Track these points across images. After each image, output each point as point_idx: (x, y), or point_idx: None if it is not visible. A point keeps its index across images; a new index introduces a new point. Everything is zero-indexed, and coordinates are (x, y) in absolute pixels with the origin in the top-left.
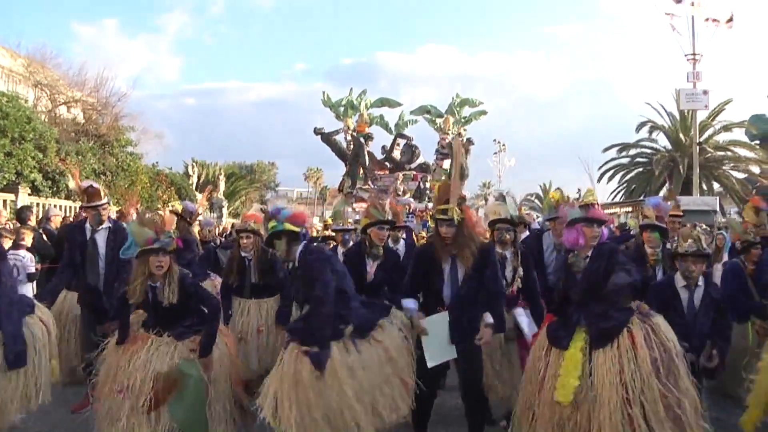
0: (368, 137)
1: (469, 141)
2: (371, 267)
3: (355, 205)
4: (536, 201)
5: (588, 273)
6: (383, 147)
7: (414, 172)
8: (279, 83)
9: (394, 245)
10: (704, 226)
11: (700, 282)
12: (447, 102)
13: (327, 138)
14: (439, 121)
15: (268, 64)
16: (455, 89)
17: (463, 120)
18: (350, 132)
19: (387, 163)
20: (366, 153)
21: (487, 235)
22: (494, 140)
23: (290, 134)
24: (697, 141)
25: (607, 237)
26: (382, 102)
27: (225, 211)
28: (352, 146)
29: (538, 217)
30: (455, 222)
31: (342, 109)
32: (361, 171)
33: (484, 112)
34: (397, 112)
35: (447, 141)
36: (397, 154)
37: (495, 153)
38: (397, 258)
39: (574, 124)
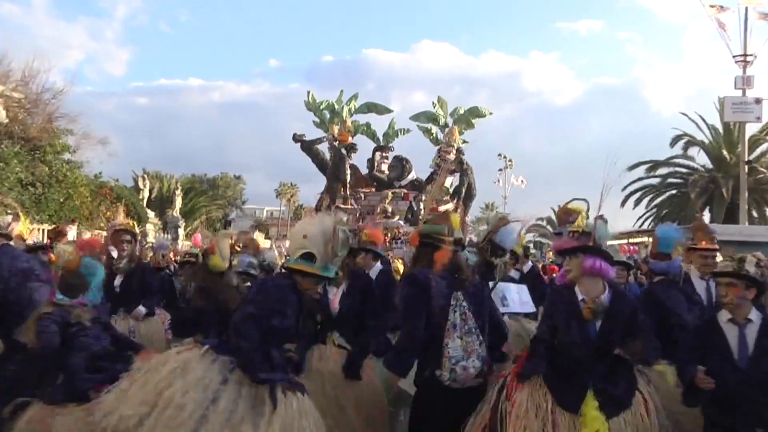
0: (351, 148)
1: (460, 153)
2: (334, 295)
3: None
4: (548, 227)
5: (603, 332)
6: (369, 160)
7: (404, 191)
8: (248, 82)
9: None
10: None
11: (753, 316)
12: (446, 109)
13: (308, 147)
14: (435, 130)
15: (235, 60)
16: (454, 94)
17: (463, 127)
18: (334, 142)
19: (373, 180)
20: (347, 167)
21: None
22: (499, 155)
23: (261, 143)
24: (746, 159)
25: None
26: (369, 107)
27: (181, 231)
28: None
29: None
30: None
31: (327, 113)
32: (342, 188)
33: (480, 113)
34: (386, 119)
35: (452, 155)
36: (384, 168)
37: (500, 170)
38: (367, 282)
39: (594, 136)
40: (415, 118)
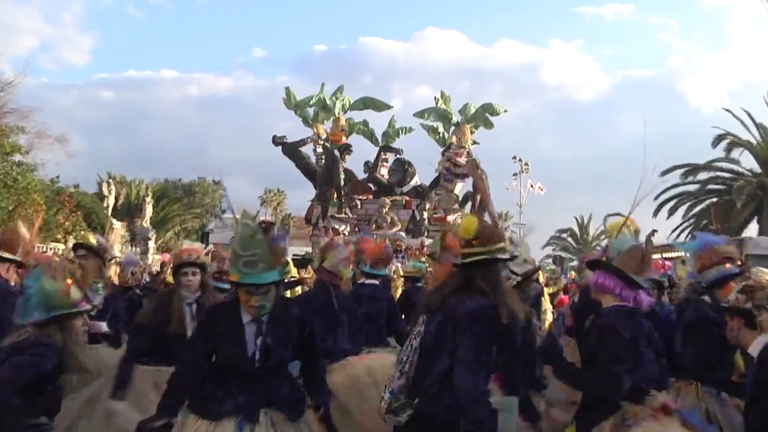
0: (345, 149)
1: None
2: (250, 333)
3: (325, 239)
4: (569, 240)
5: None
6: (366, 163)
7: (406, 198)
8: (230, 75)
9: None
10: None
11: (753, 349)
12: (452, 106)
13: (291, 150)
14: (441, 130)
15: (215, 49)
16: (463, 88)
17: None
18: (321, 142)
19: (371, 185)
20: (341, 171)
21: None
22: (514, 158)
23: (243, 144)
24: None
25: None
26: (366, 103)
27: (152, 244)
28: (323, 161)
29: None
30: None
31: (311, 111)
32: (336, 195)
33: (494, 111)
34: (385, 117)
35: (463, 158)
36: (384, 173)
37: (515, 174)
38: (302, 309)
39: (623, 136)
40: (420, 115)
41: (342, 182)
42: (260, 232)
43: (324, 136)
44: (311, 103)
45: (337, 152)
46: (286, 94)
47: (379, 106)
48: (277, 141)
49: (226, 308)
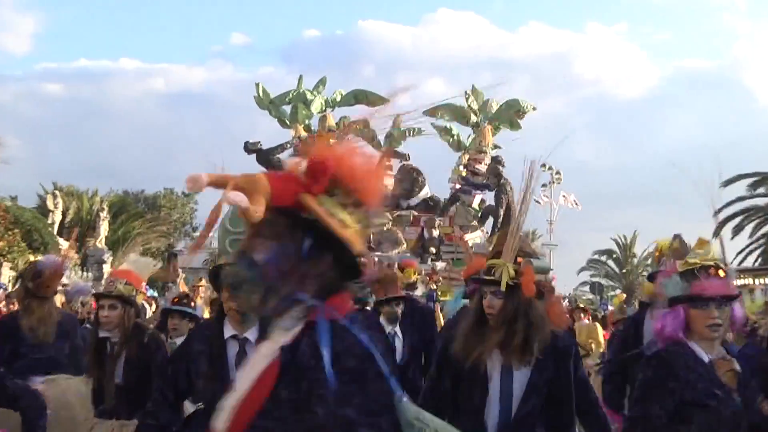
0: None
1: (497, 161)
2: (232, 357)
3: None
4: (610, 264)
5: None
6: None
7: (414, 212)
8: (204, 65)
9: (389, 326)
10: None
11: None
12: (481, 100)
13: (266, 159)
14: (455, 131)
15: (186, 35)
16: (483, 81)
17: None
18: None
19: None
20: None
21: (566, 317)
22: (543, 165)
23: (220, 148)
24: None
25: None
26: (357, 97)
27: (107, 269)
28: None
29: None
30: (505, 290)
31: (288, 109)
32: None
33: (521, 109)
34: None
35: (483, 164)
36: (387, 182)
37: (544, 185)
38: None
39: (676, 139)
40: (431, 113)
41: None
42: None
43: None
44: (288, 99)
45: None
46: (257, 91)
47: (374, 100)
48: (249, 148)
49: (207, 325)
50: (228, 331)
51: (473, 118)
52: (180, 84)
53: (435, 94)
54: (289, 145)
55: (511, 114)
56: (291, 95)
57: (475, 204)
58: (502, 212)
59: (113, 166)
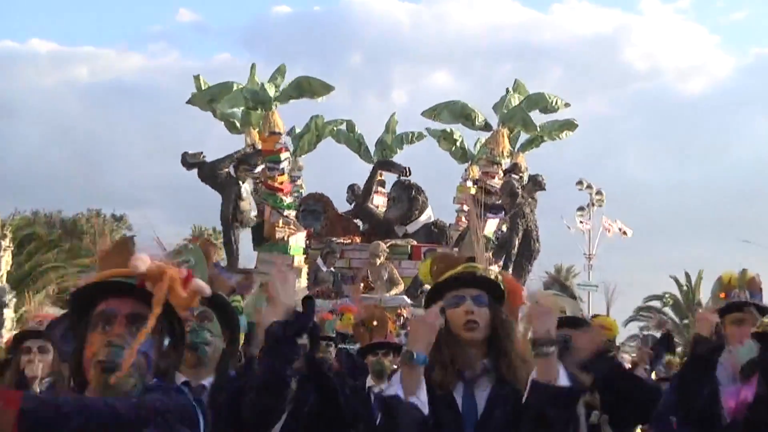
0: (246, 163)
1: (537, 182)
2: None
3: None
4: (667, 313)
5: None
6: (351, 188)
7: (413, 242)
8: (141, 50)
9: (376, 384)
10: None
11: None
12: (483, 98)
13: (212, 174)
14: (458, 135)
15: (115, 11)
16: (503, 73)
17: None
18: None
19: (358, 222)
20: (245, 200)
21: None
22: (580, 183)
23: (160, 158)
24: None
25: None
26: (300, 87)
27: (9, 313)
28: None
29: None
30: (489, 299)
31: (239, 110)
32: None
33: (570, 125)
34: (381, 116)
35: (497, 179)
36: (380, 202)
37: (581, 209)
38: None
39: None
40: (432, 113)
41: (246, 216)
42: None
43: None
44: (233, 92)
45: (232, 169)
46: (195, 85)
47: (317, 88)
48: (189, 161)
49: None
50: (179, 377)
51: (479, 119)
52: (109, 73)
53: (441, 91)
54: (254, 155)
55: (525, 115)
56: (238, 89)
57: (489, 231)
58: (517, 242)
59: (19, 179)
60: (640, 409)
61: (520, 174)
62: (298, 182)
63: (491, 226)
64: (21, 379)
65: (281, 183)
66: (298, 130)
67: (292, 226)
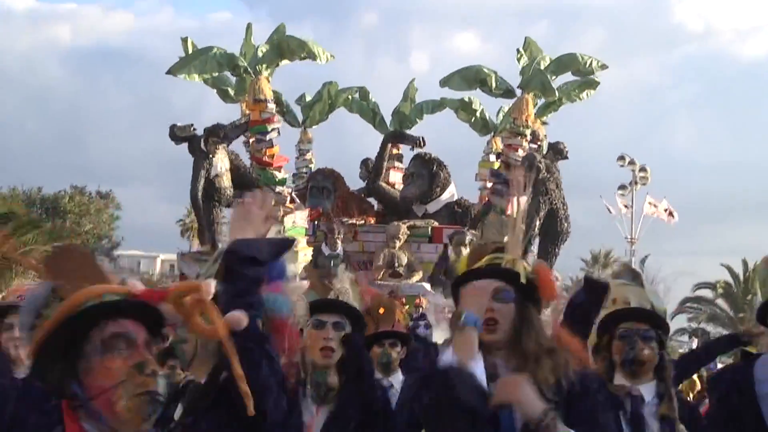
0: (222, 136)
1: (558, 150)
2: (311, 416)
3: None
4: (719, 304)
5: None
6: (365, 163)
7: (434, 223)
8: (128, 7)
9: (383, 377)
10: None
11: None
12: (513, 64)
13: (200, 149)
14: (477, 104)
15: None
16: (538, 33)
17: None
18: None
19: (372, 201)
20: (220, 172)
21: (584, 353)
22: (621, 158)
23: (150, 130)
24: None
25: None
26: (280, 47)
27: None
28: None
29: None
30: (515, 294)
31: (231, 75)
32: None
33: (591, 84)
34: (398, 84)
35: (523, 150)
36: (396, 179)
37: (623, 188)
38: (382, 403)
39: None
40: (449, 81)
41: (226, 193)
42: None
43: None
44: (204, 59)
45: (203, 143)
46: (183, 49)
47: (294, 48)
48: (177, 135)
49: None
50: None
51: (497, 84)
52: (93, 34)
53: (465, 54)
54: (237, 127)
55: (545, 75)
56: (211, 53)
57: (512, 210)
58: (538, 221)
59: None
60: None
61: (539, 143)
62: (308, 156)
63: (521, 206)
64: (1, 357)
65: (271, 156)
66: (308, 98)
67: (287, 205)
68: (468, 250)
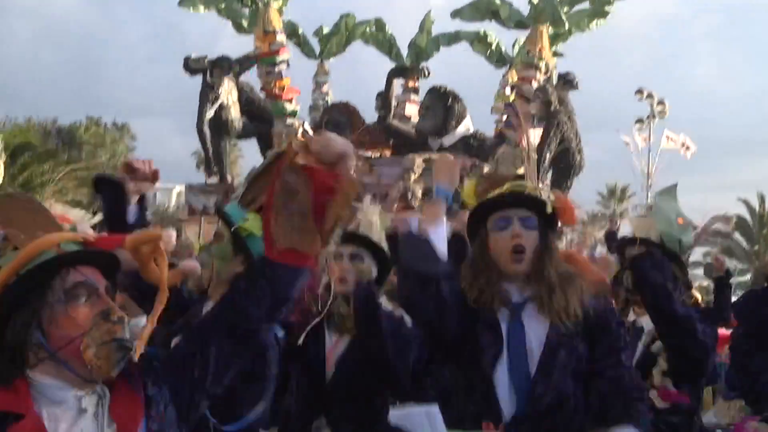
0: (227, 67)
1: (567, 80)
2: (331, 345)
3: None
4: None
5: None
6: (380, 96)
7: (449, 156)
8: None
9: (393, 306)
10: None
11: None
12: None
13: (205, 81)
14: (492, 37)
15: None
16: None
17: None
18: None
19: (387, 134)
20: (228, 103)
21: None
22: (639, 91)
23: (168, 61)
24: None
25: None
26: None
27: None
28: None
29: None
30: (537, 221)
31: (243, 7)
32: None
33: (601, 13)
34: (412, 14)
35: (534, 82)
36: (411, 112)
37: (640, 121)
38: (398, 327)
39: None
40: (460, 13)
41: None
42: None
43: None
44: None
45: (209, 75)
46: None
47: None
48: (192, 66)
49: None
50: None
51: (509, 15)
52: None
53: None
54: (251, 59)
55: (555, 5)
56: None
57: (529, 141)
58: (548, 155)
59: (12, 85)
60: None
61: (548, 74)
62: (324, 88)
63: (531, 138)
64: None
65: (281, 88)
66: (326, 30)
67: (299, 137)
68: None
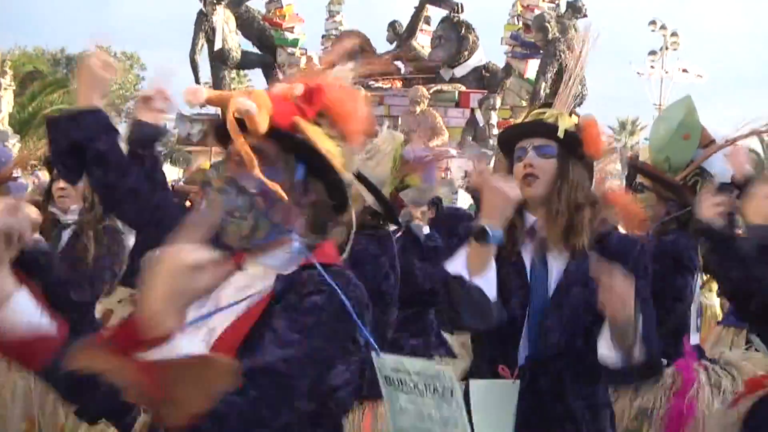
0: None
1: (576, 8)
2: None
3: None
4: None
5: None
6: (392, 25)
7: (461, 87)
8: None
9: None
10: None
11: None
12: None
13: (235, 5)
14: None
15: None
16: None
17: None
18: None
19: (398, 63)
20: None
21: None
22: (651, 23)
23: None
24: None
25: None
26: None
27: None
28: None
29: None
30: (558, 149)
31: None
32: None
33: None
34: None
35: (540, 10)
36: (424, 42)
37: (652, 54)
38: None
39: None
40: None
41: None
42: None
43: None
44: None
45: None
46: None
47: None
48: None
49: None
50: None
51: None
52: None
53: None
54: None
55: None
56: None
57: (531, 74)
58: (544, 84)
59: (20, 12)
60: None
61: (556, 2)
62: (337, 18)
63: (532, 68)
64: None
65: (282, 16)
66: None
67: (301, 66)
68: (496, 114)
